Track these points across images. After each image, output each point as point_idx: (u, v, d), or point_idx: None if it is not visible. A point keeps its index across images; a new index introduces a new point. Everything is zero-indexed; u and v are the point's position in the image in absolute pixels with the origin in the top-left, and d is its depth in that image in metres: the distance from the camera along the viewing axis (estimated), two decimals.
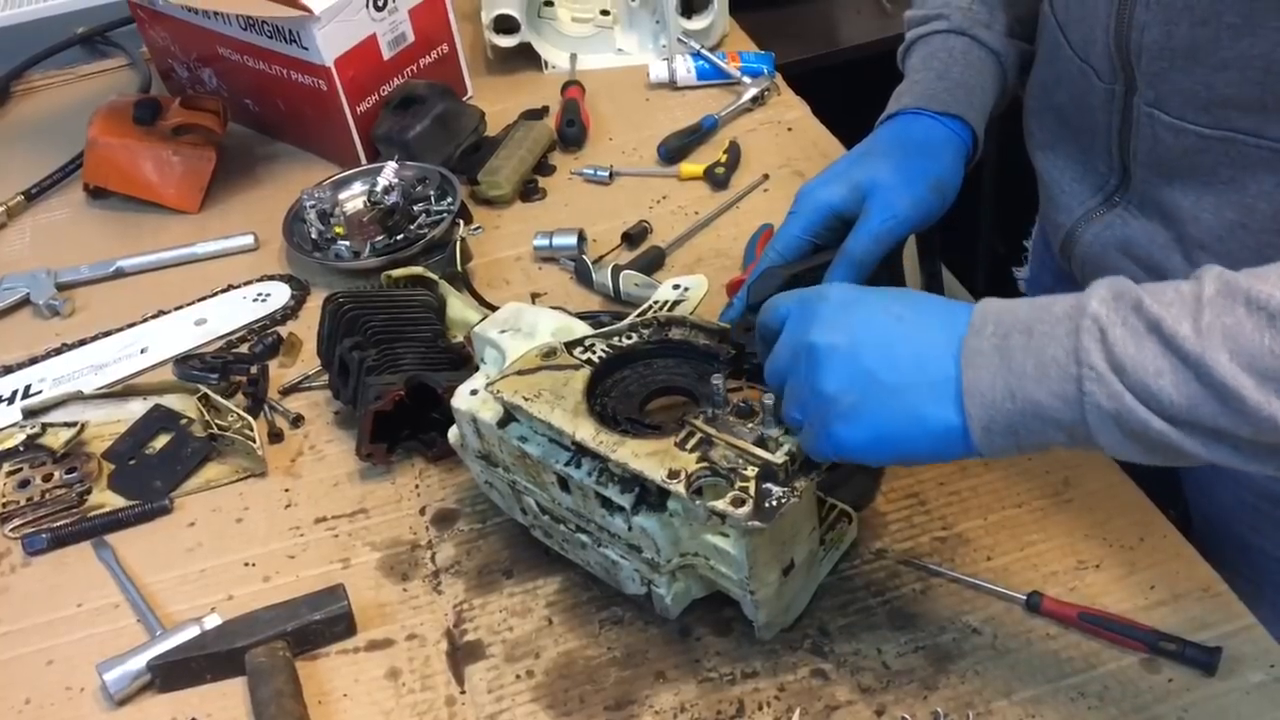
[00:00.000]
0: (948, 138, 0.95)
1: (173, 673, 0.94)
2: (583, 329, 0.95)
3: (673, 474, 0.80)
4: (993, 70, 1.00)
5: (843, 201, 0.92)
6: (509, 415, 0.90)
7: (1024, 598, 0.91)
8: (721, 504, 0.77)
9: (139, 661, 0.94)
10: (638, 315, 0.96)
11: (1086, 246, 0.96)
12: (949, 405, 0.71)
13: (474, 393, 0.93)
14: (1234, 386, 0.62)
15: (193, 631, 0.95)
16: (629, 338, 0.93)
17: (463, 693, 0.92)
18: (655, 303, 0.98)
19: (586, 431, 0.84)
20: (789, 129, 1.49)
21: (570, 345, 0.92)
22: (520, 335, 0.95)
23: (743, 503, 0.77)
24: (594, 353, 0.91)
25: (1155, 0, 0.82)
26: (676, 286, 0.99)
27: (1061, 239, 0.98)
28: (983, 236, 2.44)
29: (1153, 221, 0.92)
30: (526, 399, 0.87)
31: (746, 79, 1.56)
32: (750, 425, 0.82)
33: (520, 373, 0.89)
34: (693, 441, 0.82)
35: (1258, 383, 0.62)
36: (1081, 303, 0.68)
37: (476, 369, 0.98)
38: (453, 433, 0.97)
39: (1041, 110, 1.01)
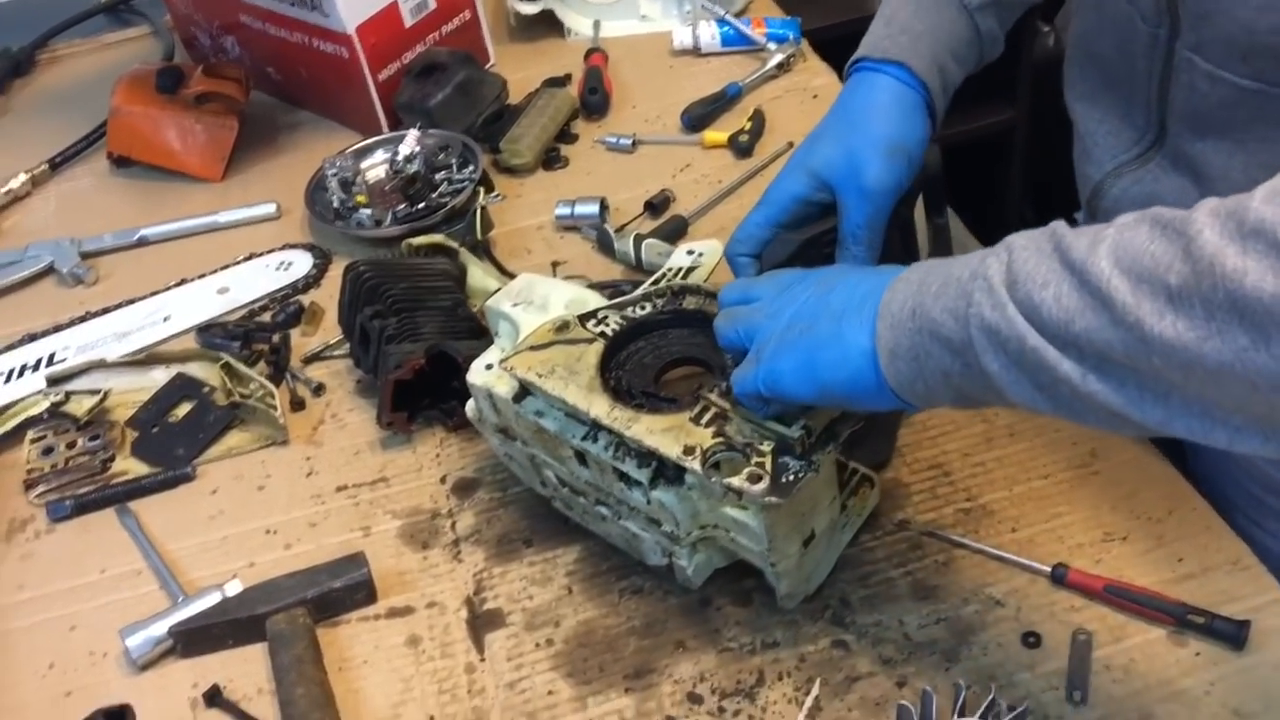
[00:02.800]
0: (892, 92, 0.92)
1: (194, 638, 0.94)
2: (596, 300, 0.94)
3: (688, 450, 0.79)
4: (950, 13, 0.95)
5: (806, 189, 0.91)
6: (524, 389, 0.89)
7: (1049, 570, 0.90)
8: (738, 480, 0.77)
9: (161, 627, 0.94)
10: (651, 283, 0.94)
11: (1113, 201, 0.94)
12: (865, 329, 0.71)
13: (489, 367, 0.92)
14: (1109, 289, 0.59)
15: (214, 598, 0.96)
16: (642, 308, 0.92)
17: (482, 660, 0.92)
18: (669, 269, 0.97)
19: (601, 408, 0.83)
20: (815, 96, 1.47)
21: (583, 318, 0.91)
22: (533, 308, 0.94)
23: (759, 478, 0.76)
24: (607, 325, 0.90)
25: None
26: (690, 252, 0.98)
27: (1090, 192, 0.97)
28: (1012, 203, 2.42)
29: (1183, 179, 0.90)
30: (540, 375, 0.86)
31: (772, 45, 1.54)
32: None
33: (533, 348, 0.88)
34: (708, 416, 0.81)
35: (1132, 285, 0.59)
36: (1008, 239, 0.66)
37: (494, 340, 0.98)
38: (470, 407, 0.97)
39: (1083, 59, 0.99)
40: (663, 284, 0.94)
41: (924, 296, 0.68)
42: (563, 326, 0.90)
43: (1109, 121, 0.95)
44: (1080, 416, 0.65)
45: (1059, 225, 0.65)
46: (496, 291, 1.00)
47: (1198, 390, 0.59)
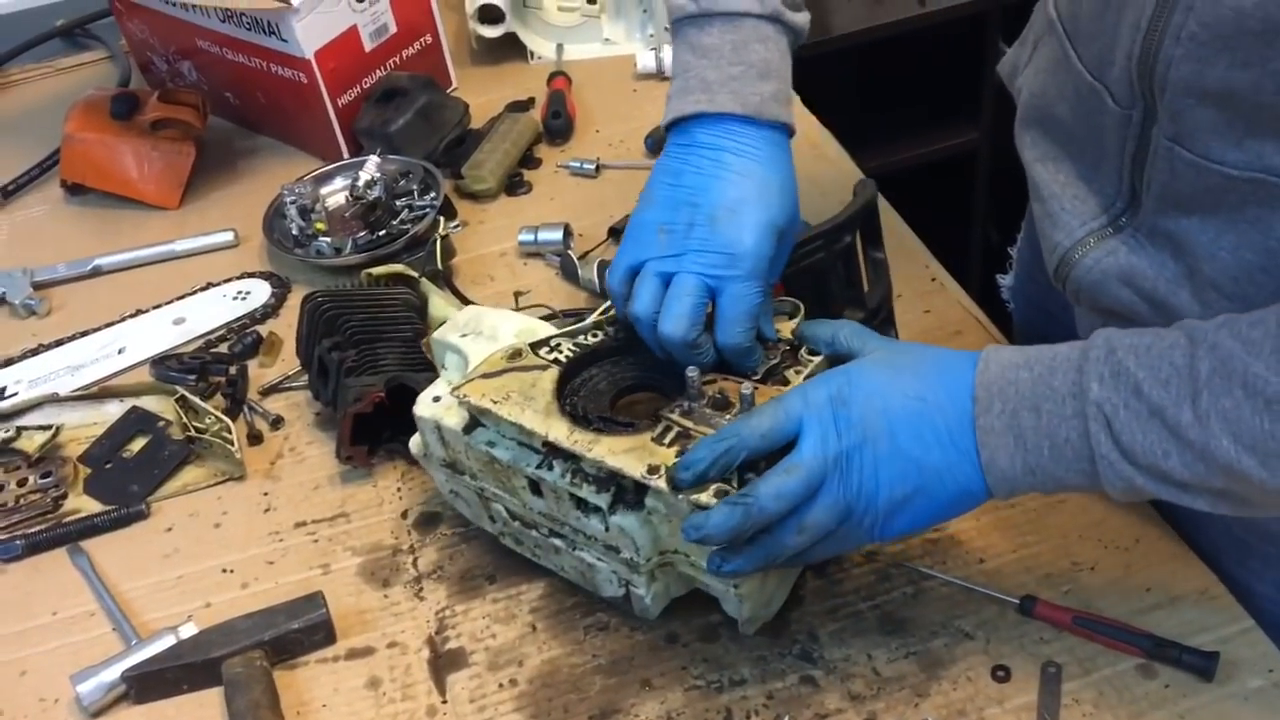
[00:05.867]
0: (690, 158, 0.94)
1: (148, 684, 0.92)
2: (546, 329, 0.94)
3: (652, 469, 0.78)
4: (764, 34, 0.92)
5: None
6: (474, 420, 0.88)
7: (1017, 601, 0.89)
8: (705, 496, 0.76)
9: (114, 672, 0.92)
10: (601, 312, 0.94)
11: (1085, 272, 0.87)
12: (978, 478, 0.77)
13: (437, 399, 0.91)
14: (1240, 468, 0.67)
15: (168, 641, 0.93)
16: (594, 336, 0.91)
17: (444, 702, 0.90)
18: None
19: (560, 431, 0.82)
20: None
21: (535, 346, 0.90)
22: (482, 339, 0.93)
23: (726, 494, 0.76)
24: (560, 352, 0.89)
25: (1188, 36, 0.71)
26: None
27: (1057, 261, 0.90)
28: (976, 225, 2.43)
29: (1162, 253, 0.82)
30: (495, 402, 0.85)
31: None
32: (727, 417, 0.81)
33: (486, 375, 0.87)
34: (670, 435, 0.81)
35: (1260, 461, 0.67)
36: (1083, 385, 0.72)
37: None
38: (414, 441, 0.95)
39: (1039, 120, 0.93)
40: (613, 312, 0.93)
41: (1039, 459, 0.74)
42: (515, 354, 0.89)
43: (1074, 186, 0.89)
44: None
45: (1137, 378, 0.70)
46: (436, 327, 0.98)
47: None
